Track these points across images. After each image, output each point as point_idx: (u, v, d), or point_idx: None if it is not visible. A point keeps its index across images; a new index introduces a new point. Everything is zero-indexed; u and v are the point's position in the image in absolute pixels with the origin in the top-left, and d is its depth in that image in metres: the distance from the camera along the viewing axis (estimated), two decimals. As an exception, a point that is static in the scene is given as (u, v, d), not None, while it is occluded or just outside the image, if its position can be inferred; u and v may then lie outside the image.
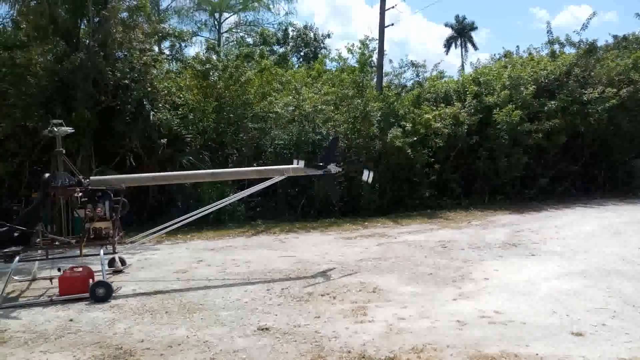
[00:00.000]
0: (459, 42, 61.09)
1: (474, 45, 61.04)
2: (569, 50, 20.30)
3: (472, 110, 17.23)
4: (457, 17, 60.52)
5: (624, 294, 6.71)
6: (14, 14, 14.31)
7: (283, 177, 9.36)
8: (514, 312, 6.06)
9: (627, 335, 5.29)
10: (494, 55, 26.24)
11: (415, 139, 15.94)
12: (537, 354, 4.85)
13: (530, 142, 16.93)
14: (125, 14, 14.43)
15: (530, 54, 21.87)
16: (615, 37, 23.29)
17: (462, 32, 60.52)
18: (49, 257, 7.86)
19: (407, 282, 7.64)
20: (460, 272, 8.16)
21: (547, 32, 21.04)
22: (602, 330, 5.43)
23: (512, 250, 9.88)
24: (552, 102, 17.43)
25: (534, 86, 17.76)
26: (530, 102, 17.45)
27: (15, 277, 8.02)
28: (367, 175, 9.38)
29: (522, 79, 18.08)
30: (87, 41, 13.64)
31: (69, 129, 8.29)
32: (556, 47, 20.57)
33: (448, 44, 61.67)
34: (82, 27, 14.37)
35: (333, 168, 8.97)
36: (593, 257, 9.00)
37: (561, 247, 10.00)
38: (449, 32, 62.14)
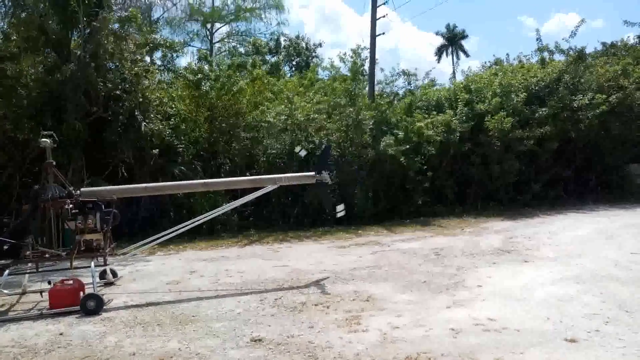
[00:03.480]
0: (450, 50, 61.64)
1: (465, 52, 61.67)
2: (559, 57, 20.54)
3: (464, 118, 17.32)
4: (447, 25, 61.26)
5: (619, 299, 6.71)
6: (4, 26, 14.26)
7: (276, 186, 9.32)
8: (508, 319, 6.04)
9: (621, 341, 5.28)
10: (485, 63, 26.54)
11: (408, 146, 15.98)
12: (532, 361, 4.83)
13: (522, 149, 17.03)
14: (116, 25, 14.41)
15: (520, 61, 22.12)
16: (603, 44, 23.63)
17: (452, 41, 61.11)
18: (39, 269, 7.77)
19: (402, 291, 7.61)
20: (454, 280, 8.14)
21: (537, 40, 21.33)
22: (597, 337, 5.42)
23: (506, 257, 9.88)
24: (543, 109, 17.57)
25: (524, 93, 17.91)
26: (521, 109, 17.58)
27: (5, 291, 7.92)
28: (341, 209, 9.55)
29: (513, 86, 18.25)
30: (78, 52, 13.57)
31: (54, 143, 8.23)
32: (546, 54, 20.80)
33: (439, 52, 62.29)
34: (73, 38, 14.31)
35: (326, 176, 8.96)
36: (587, 262, 9.01)
37: (555, 253, 10.01)
38: (439, 40, 62.78)
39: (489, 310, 6.44)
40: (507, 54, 31.89)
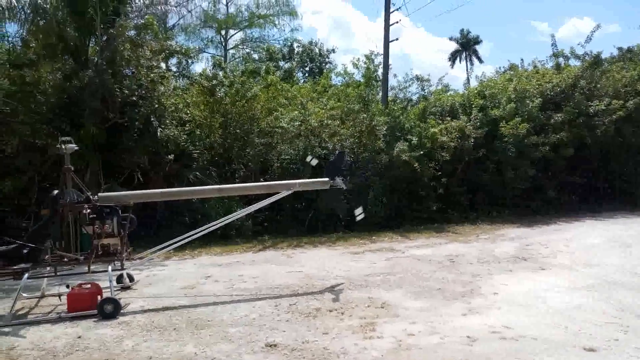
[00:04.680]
0: (463, 56, 61.42)
1: (479, 58, 61.44)
2: (574, 62, 20.37)
3: (478, 124, 17.23)
4: (461, 31, 61.02)
5: (636, 307, 6.63)
6: (24, 33, 14.50)
7: (290, 192, 9.36)
8: (524, 327, 6.00)
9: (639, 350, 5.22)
10: (499, 68, 26.38)
11: (421, 152, 15.93)
12: (549, 370, 4.80)
13: (537, 155, 16.90)
14: (133, 32, 14.59)
15: (535, 66, 21.94)
16: (619, 49, 23.36)
17: (466, 46, 60.89)
18: (58, 273, 7.88)
19: (416, 297, 7.59)
20: (469, 287, 8.10)
21: (552, 45, 21.15)
22: (615, 346, 5.37)
23: (522, 264, 9.80)
24: (558, 115, 17.43)
25: (539, 99, 17.78)
26: (536, 115, 17.45)
27: (24, 294, 8.03)
28: (360, 212, 9.44)
29: (528, 91, 18.13)
30: (95, 59, 13.78)
31: (76, 147, 8.40)
32: (561, 59, 20.63)
33: (453, 58, 62.08)
34: (90, 45, 14.52)
35: (340, 182, 8.98)
36: (603, 270, 8.92)
37: (571, 261, 9.92)
38: (451, 45, 62.70)
39: (505, 318, 6.40)
40: (522, 60, 31.68)
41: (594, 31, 19.83)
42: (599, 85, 18.68)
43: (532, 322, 6.23)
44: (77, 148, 8.48)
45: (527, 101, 17.70)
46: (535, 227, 14.83)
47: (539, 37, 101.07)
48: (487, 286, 8.11)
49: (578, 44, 23.70)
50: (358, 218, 9.54)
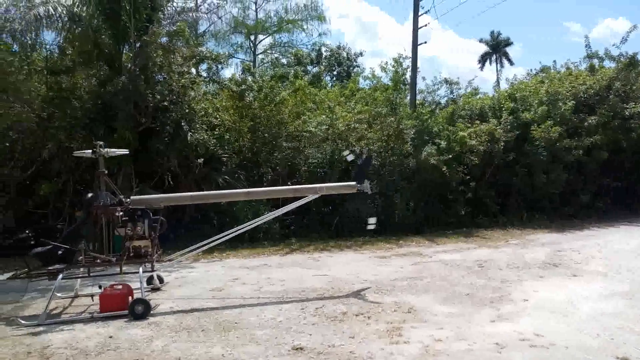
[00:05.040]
0: (493, 58, 60.48)
1: (509, 60, 60.36)
2: (609, 64, 19.90)
3: (509, 127, 16.96)
4: (492, 32, 60.14)
5: (674, 317, 6.41)
6: (60, 41, 14.99)
7: (317, 195, 9.38)
8: (555, 335, 5.87)
9: (677, 361, 5.05)
10: (531, 70, 25.90)
11: (450, 156, 15.77)
12: (580, 380, 4.69)
13: (569, 159, 16.51)
14: (165, 39, 14.90)
15: (568, 68, 21.49)
16: (657, 49, 22.62)
17: (496, 48, 59.94)
18: (91, 274, 8.09)
19: (444, 303, 7.51)
20: (499, 293, 7.97)
21: (586, 46, 20.75)
22: (651, 356, 5.20)
23: (553, 270, 9.59)
24: (593, 118, 17.03)
25: (572, 101, 17.40)
26: (569, 118, 17.08)
27: (59, 294, 8.28)
28: (372, 222, 9.26)
29: (560, 94, 17.75)
30: (129, 65, 14.13)
31: (124, 151, 8.86)
32: (595, 61, 20.16)
33: (483, 60, 61.22)
34: (124, 52, 14.90)
35: (367, 186, 8.96)
36: (638, 277, 8.65)
37: (605, 267, 9.66)
38: (481, 47, 61.75)
39: (535, 325, 6.28)
40: (554, 61, 30.92)
41: (630, 32, 19.41)
42: (634, 87, 18.17)
43: (564, 329, 6.09)
44: (126, 152, 8.86)
45: (560, 104, 17.35)
46: (567, 233, 14.50)
47: (572, 38, 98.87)
48: (517, 292, 7.97)
49: (613, 45, 23.04)
50: (370, 227, 9.34)
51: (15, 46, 14.39)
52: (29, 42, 14.66)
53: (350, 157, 10.20)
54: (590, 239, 13.29)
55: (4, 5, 14.50)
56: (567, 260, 10.47)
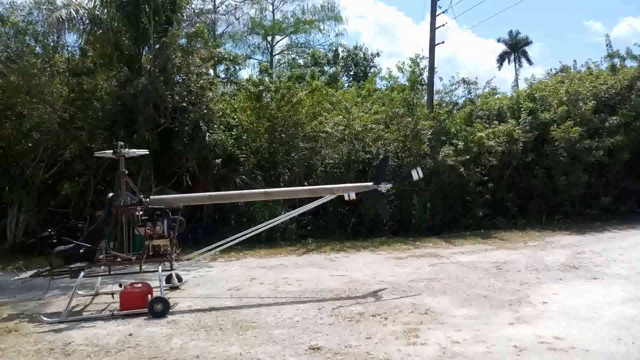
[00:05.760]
0: (512, 58, 59.76)
1: (528, 60, 59.50)
2: (630, 63, 19.52)
3: (528, 127, 16.77)
4: (510, 32, 59.36)
5: (698, 322, 6.29)
6: (82, 43, 15.27)
7: (334, 196, 9.42)
8: (575, 339, 5.80)
9: (701, 366, 4.95)
10: (550, 70, 25.55)
11: (467, 157, 15.66)
12: (601, 384, 4.63)
13: (590, 160, 16.26)
14: (184, 41, 15.10)
15: (588, 68, 21.15)
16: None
17: (515, 48, 59.20)
18: (111, 272, 8.23)
19: (461, 304, 7.47)
20: (517, 295, 7.89)
21: (607, 46, 20.32)
22: (674, 361, 5.11)
23: (573, 273, 9.46)
24: (614, 118, 16.73)
25: (593, 101, 17.12)
26: (589, 118, 16.81)
27: (80, 292, 8.45)
28: (417, 173, 8.95)
29: (581, 94, 17.47)
30: (149, 67, 14.33)
31: (144, 151, 9.09)
32: (616, 60, 19.81)
33: (501, 60, 60.44)
34: (144, 53, 15.13)
35: (384, 187, 8.95)
36: (662, 281, 8.49)
37: (626, 271, 9.49)
38: (498, 46, 61.18)
39: (554, 328, 6.20)
40: (575, 61, 30.49)
41: (653, 30, 18.96)
42: (657, 87, 17.79)
43: (584, 333, 6.01)
44: (146, 152, 9.12)
45: (580, 104, 17.09)
46: (588, 235, 14.28)
47: (592, 37, 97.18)
48: (536, 295, 7.88)
49: (634, 44, 22.72)
50: (415, 177, 9.01)
51: (38, 48, 14.72)
52: (52, 44, 15.02)
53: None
54: (612, 241, 13.06)
55: (27, 8, 14.85)
56: (588, 263, 10.31)
